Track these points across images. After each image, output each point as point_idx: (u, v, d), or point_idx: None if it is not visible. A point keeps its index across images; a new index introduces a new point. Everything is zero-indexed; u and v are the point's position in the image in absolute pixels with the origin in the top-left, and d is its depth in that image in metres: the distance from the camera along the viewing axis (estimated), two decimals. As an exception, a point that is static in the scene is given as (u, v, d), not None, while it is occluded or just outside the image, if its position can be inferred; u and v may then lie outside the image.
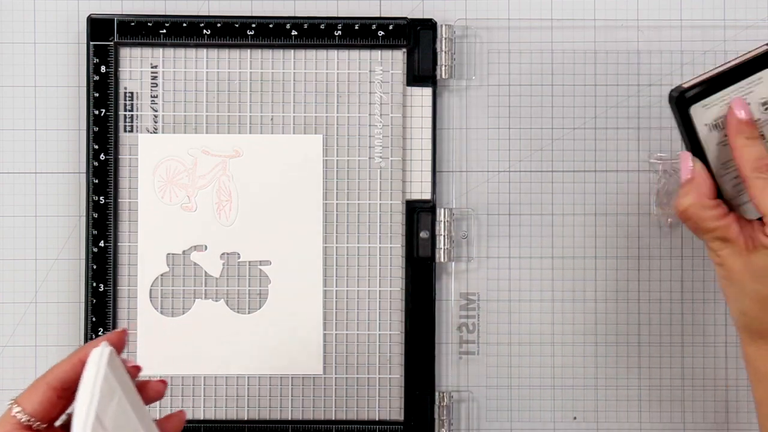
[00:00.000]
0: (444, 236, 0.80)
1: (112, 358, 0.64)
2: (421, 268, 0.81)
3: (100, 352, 0.62)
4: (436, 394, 0.81)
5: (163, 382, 0.68)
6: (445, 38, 0.80)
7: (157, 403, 0.79)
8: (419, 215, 0.81)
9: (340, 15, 0.82)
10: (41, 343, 0.81)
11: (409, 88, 0.81)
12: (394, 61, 0.81)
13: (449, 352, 0.81)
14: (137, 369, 0.67)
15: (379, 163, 0.81)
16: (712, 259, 0.70)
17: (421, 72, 0.81)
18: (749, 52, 0.71)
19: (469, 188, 0.82)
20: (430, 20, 0.81)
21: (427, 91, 0.81)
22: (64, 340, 0.81)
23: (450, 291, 0.82)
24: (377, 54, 0.81)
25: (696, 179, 0.70)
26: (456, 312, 0.82)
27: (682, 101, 0.70)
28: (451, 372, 0.81)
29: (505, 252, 0.82)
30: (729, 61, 0.71)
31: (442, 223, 0.80)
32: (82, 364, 0.62)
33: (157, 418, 0.67)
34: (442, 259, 0.81)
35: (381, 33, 0.80)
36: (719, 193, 0.71)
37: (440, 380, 0.81)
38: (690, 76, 0.81)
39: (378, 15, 0.82)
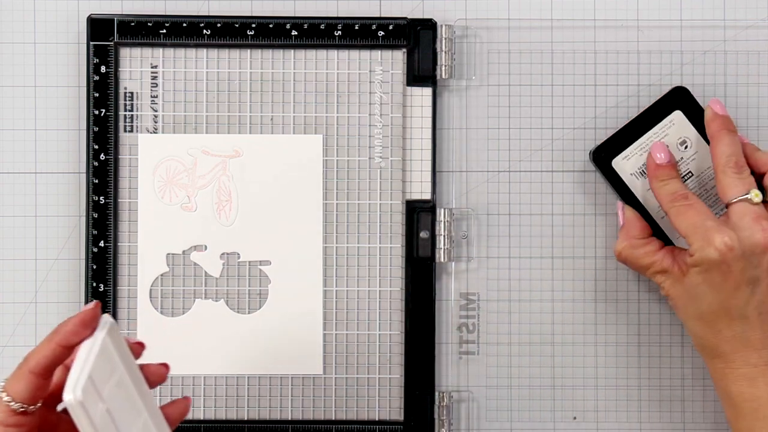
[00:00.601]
0: (444, 236, 0.80)
1: (114, 333, 0.64)
2: (421, 268, 0.81)
3: (102, 323, 0.62)
4: (436, 394, 0.81)
5: (165, 366, 0.68)
6: (445, 38, 0.80)
7: (157, 397, 0.80)
8: (419, 215, 0.81)
9: (340, 15, 0.82)
10: (41, 343, 0.81)
11: (409, 88, 0.81)
12: (394, 61, 0.81)
13: (449, 352, 0.81)
14: (141, 346, 0.67)
15: (379, 163, 0.81)
16: (662, 294, 0.76)
17: (421, 72, 0.81)
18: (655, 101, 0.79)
19: (469, 188, 0.82)
20: (430, 20, 0.81)
21: (427, 91, 0.81)
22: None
23: (450, 291, 0.82)
24: (377, 54, 0.81)
25: (627, 224, 0.79)
26: (456, 312, 0.82)
27: (600, 158, 0.79)
28: (451, 372, 0.81)
29: (505, 252, 0.82)
30: (638, 114, 0.79)
31: (442, 223, 0.80)
32: (62, 348, 0.62)
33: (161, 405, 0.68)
34: (442, 259, 0.80)
35: (381, 33, 0.80)
36: (660, 233, 0.79)
37: (440, 380, 0.81)
38: (690, 76, 0.81)
39: (378, 15, 0.82)
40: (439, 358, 0.81)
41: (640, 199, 0.79)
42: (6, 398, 0.61)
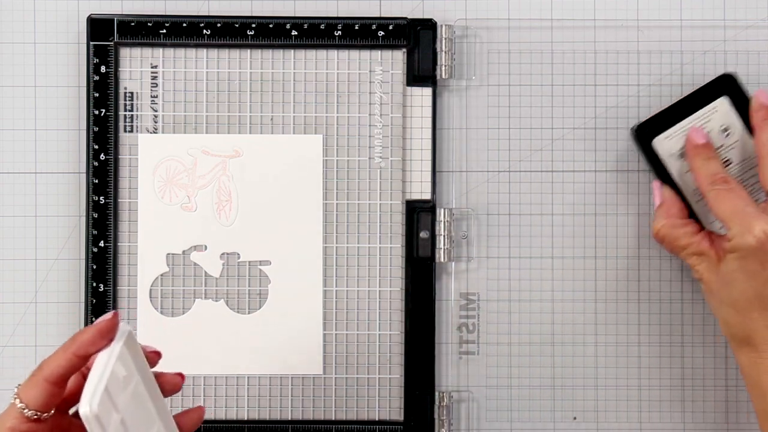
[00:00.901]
0: (444, 236, 0.80)
1: (131, 342, 0.64)
2: (421, 268, 0.81)
3: (120, 333, 0.62)
4: (436, 394, 0.81)
5: (181, 376, 0.68)
6: (445, 38, 0.80)
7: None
8: (419, 215, 0.81)
9: (340, 15, 0.82)
10: (41, 343, 0.81)
11: (409, 88, 0.81)
12: (394, 61, 0.81)
13: (449, 352, 0.81)
14: (158, 355, 0.67)
15: (379, 163, 0.81)
16: (695, 277, 0.76)
17: (421, 72, 0.81)
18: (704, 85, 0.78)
19: (469, 188, 0.82)
20: (430, 20, 0.81)
21: (427, 91, 0.81)
22: (64, 340, 0.80)
23: (450, 291, 0.82)
24: (377, 54, 0.81)
25: (666, 203, 0.77)
26: (456, 312, 0.82)
27: (643, 135, 0.78)
28: (451, 372, 0.81)
29: (505, 252, 0.82)
30: (683, 96, 0.78)
31: (442, 223, 0.80)
32: (78, 358, 0.62)
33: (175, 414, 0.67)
34: (442, 259, 0.80)
35: (381, 33, 0.80)
36: (694, 216, 0.78)
37: (440, 380, 0.81)
38: (690, 75, 0.81)
39: (378, 15, 0.82)
40: (439, 358, 0.81)
41: (678, 181, 0.78)
42: (20, 405, 0.61)
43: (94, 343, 0.62)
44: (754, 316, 0.73)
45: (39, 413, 0.62)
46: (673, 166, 0.78)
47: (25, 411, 0.62)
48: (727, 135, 0.78)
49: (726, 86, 0.78)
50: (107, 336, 0.63)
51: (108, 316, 0.63)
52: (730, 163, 0.78)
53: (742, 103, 0.78)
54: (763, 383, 0.73)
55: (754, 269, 0.72)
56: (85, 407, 0.58)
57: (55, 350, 0.63)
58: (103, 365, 0.60)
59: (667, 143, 0.78)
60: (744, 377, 0.74)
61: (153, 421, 0.64)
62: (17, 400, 0.62)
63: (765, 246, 0.71)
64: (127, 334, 0.63)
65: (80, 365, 0.62)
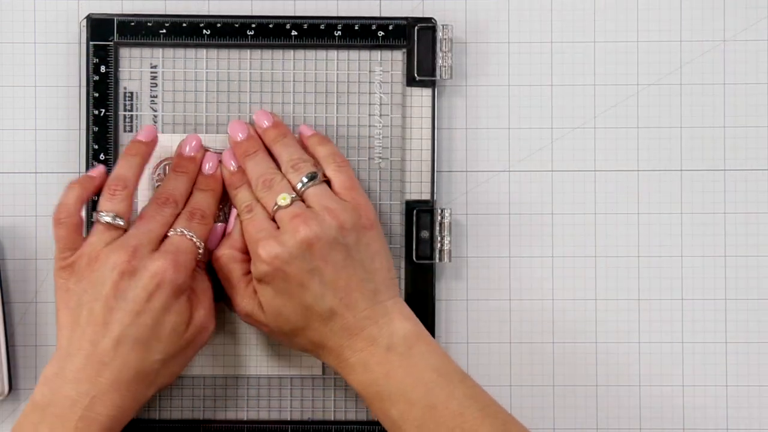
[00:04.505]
0: (444, 236, 0.80)
1: None
2: (421, 268, 0.81)
3: None
4: (437, 393, 0.81)
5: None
6: (445, 38, 0.81)
7: (165, 403, 0.80)
8: (419, 215, 0.81)
9: (340, 15, 0.82)
10: (41, 343, 0.81)
11: (408, 88, 0.81)
12: (394, 61, 0.81)
13: (449, 352, 0.81)
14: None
15: (379, 163, 0.81)
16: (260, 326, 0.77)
17: (421, 72, 0.81)
18: None
19: (469, 188, 0.82)
20: (430, 20, 0.81)
21: (427, 92, 0.81)
22: (63, 340, 0.81)
23: (450, 291, 0.82)
24: (377, 54, 0.81)
25: (233, 234, 0.77)
26: (456, 312, 0.82)
27: None
28: (451, 372, 0.81)
29: (505, 252, 0.82)
30: None
31: (442, 223, 0.80)
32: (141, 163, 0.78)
33: None
34: (442, 260, 0.80)
35: (381, 33, 0.81)
36: None
37: (440, 380, 0.81)
38: (690, 75, 0.81)
39: (378, 15, 0.82)
40: (440, 358, 0.81)
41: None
42: (118, 221, 0.75)
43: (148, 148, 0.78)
44: (316, 325, 0.73)
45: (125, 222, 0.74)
46: None
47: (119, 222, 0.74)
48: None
49: None
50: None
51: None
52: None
53: None
54: (354, 384, 0.73)
55: (284, 288, 0.73)
56: None
57: (118, 163, 0.77)
58: None
59: None
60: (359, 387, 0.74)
61: None
62: (112, 217, 0.74)
63: (276, 265, 0.72)
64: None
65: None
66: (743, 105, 0.82)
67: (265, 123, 0.78)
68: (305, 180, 0.75)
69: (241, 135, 0.78)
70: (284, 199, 0.74)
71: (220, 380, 0.81)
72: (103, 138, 0.80)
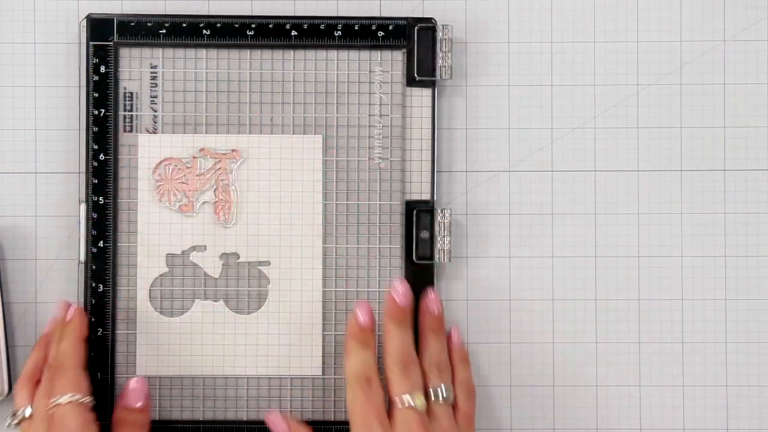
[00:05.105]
0: (444, 236, 0.80)
1: None
2: (421, 269, 0.81)
3: None
4: (437, 394, 0.81)
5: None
6: (445, 38, 0.81)
7: (165, 403, 0.80)
8: (419, 216, 0.81)
9: (340, 15, 0.82)
10: (41, 343, 0.81)
11: (408, 88, 0.81)
12: (394, 61, 0.81)
13: (449, 352, 0.81)
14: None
15: (379, 164, 0.81)
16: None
17: (421, 72, 0.81)
18: None
19: (469, 188, 0.82)
20: (430, 20, 0.81)
21: (427, 92, 0.81)
22: (63, 340, 0.81)
23: (450, 291, 0.82)
24: (377, 54, 0.81)
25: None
26: (456, 312, 0.82)
27: None
28: (451, 372, 0.81)
29: (505, 252, 0.82)
30: None
31: (442, 223, 0.80)
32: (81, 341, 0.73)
33: None
34: (442, 260, 0.80)
35: (381, 33, 0.81)
36: None
37: (440, 380, 0.81)
38: (690, 75, 0.81)
39: (378, 15, 0.82)
40: (440, 358, 0.81)
41: None
42: (85, 399, 0.72)
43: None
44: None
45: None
46: None
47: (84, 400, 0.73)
48: None
49: None
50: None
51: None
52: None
53: None
54: None
55: None
56: None
57: (59, 344, 0.76)
58: None
59: None
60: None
61: None
62: (73, 397, 0.70)
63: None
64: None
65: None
66: (743, 105, 0.82)
67: (436, 311, 0.79)
68: (443, 395, 0.76)
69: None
70: (420, 400, 0.75)
71: (220, 380, 0.81)
72: (103, 138, 0.80)
